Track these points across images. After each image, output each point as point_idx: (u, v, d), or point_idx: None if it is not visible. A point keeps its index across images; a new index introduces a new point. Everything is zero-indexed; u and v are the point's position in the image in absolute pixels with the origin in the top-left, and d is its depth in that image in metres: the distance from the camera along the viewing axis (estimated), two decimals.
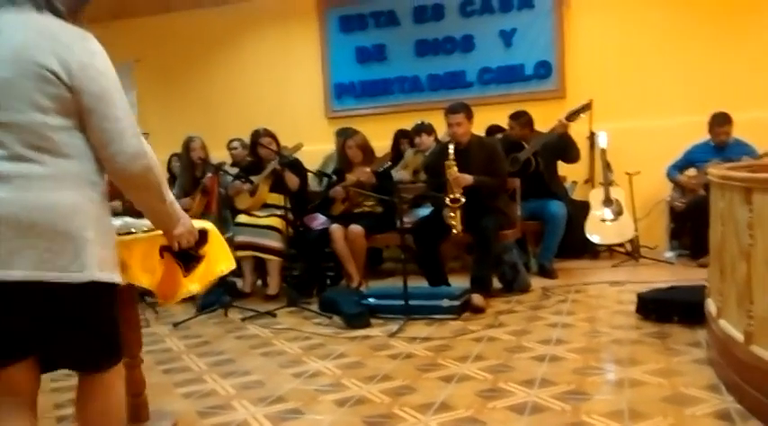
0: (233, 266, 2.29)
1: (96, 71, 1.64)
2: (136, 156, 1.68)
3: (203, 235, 2.06)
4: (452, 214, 4.54)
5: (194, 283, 2.10)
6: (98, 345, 1.74)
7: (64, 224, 1.61)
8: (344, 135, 6.05)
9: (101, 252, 1.68)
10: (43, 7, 1.65)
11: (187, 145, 5.74)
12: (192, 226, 1.99)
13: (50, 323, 1.66)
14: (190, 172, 5.71)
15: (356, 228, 5.09)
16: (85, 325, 1.70)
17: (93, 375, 1.78)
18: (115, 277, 1.74)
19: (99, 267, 1.66)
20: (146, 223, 2.02)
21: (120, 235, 1.92)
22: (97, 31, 2.16)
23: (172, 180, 5.93)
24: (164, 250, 2.01)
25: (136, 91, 7.64)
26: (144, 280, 1.99)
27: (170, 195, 1.87)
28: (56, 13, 1.67)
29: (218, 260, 2.17)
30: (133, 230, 2.05)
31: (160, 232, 1.96)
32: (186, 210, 2.14)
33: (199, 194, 5.53)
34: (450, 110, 4.72)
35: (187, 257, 2.04)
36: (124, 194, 1.80)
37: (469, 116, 4.72)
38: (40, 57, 1.58)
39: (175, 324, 4.42)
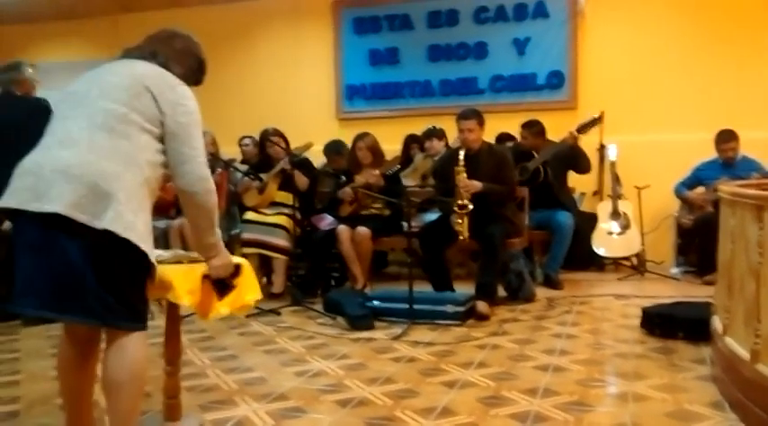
0: (259, 297, 2.55)
1: (187, 109, 2.15)
2: (202, 178, 2.15)
3: (237, 268, 2.42)
4: (459, 220, 4.54)
5: (225, 307, 2.41)
6: (119, 302, 2.00)
7: (104, 183, 1.94)
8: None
9: (129, 216, 1.96)
10: (163, 67, 2.21)
11: None
12: (230, 261, 2.37)
13: (81, 264, 1.93)
14: None
15: (363, 230, 5.09)
16: (109, 278, 1.97)
17: (116, 335, 2.04)
18: (141, 244, 1.98)
19: (123, 226, 1.94)
20: (190, 255, 2.45)
21: (170, 263, 2.34)
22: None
23: None
24: (204, 277, 2.33)
25: None
26: (186, 300, 2.27)
27: (218, 231, 2.29)
28: (171, 73, 2.22)
29: (248, 291, 2.48)
30: (182, 260, 2.44)
31: (203, 264, 2.33)
32: None
33: None
34: (463, 116, 4.72)
35: (222, 285, 2.38)
36: (183, 209, 2.24)
37: (481, 123, 4.71)
38: (148, 83, 2.10)
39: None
